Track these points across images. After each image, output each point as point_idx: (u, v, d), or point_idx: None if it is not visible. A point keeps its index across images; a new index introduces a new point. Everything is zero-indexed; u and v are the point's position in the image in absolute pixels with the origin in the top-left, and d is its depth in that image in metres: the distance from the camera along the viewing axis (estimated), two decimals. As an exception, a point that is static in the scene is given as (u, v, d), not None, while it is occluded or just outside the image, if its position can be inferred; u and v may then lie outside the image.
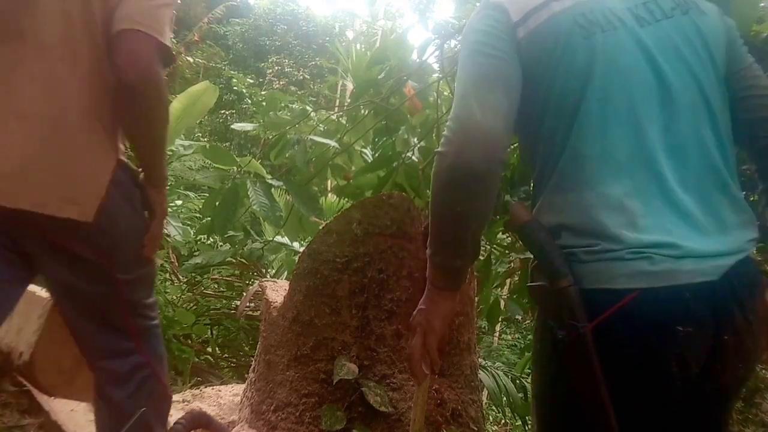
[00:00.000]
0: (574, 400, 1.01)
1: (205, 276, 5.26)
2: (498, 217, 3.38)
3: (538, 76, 1.07)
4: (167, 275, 5.02)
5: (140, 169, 1.56)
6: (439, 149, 1.04)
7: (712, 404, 1.07)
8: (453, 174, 1.02)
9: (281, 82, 12.10)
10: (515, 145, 3.47)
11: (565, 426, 1.08)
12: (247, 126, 3.68)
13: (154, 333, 1.64)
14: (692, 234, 0.99)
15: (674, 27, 1.08)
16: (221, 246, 4.56)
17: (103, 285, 1.47)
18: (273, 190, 3.44)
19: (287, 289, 1.78)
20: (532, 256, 1.09)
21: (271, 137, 3.56)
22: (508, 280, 4.27)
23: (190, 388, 3.07)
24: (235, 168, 3.18)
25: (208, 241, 5.26)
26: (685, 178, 1.02)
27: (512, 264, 4.01)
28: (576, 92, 1.04)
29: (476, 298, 2.76)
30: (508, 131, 1.04)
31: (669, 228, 0.99)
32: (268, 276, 4.89)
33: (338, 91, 8.82)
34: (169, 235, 4.70)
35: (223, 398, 2.69)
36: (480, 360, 1.98)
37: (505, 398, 4.11)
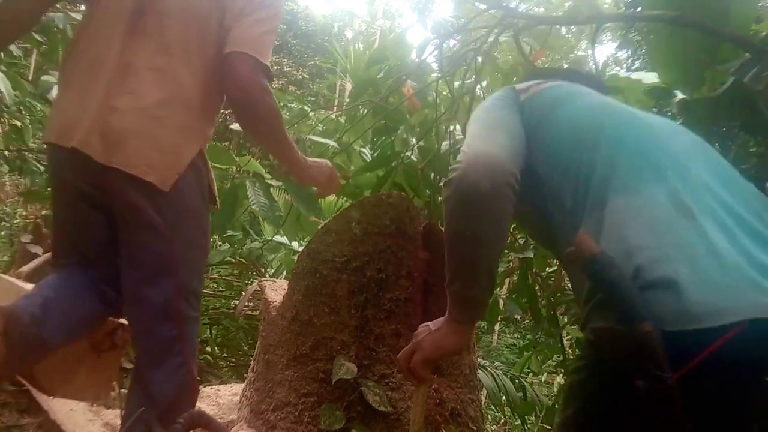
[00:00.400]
0: None
1: (204, 275, 5.26)
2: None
3: (541, 125, 1.17)
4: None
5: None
6: (447, 178, 1.09)
7: None
8: (460, 196, 1.07)
9: (280, 82, 12.10)
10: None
11: None
12: (246, 125, 3.67)
13: (193, 326, 1.75)
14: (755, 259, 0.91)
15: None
16: (220, 245, 4.56)
17: (161, 257, 1.64)
18: (272, 189, 3.44)
19: (286, 288, 1.78)
20: (586, 292, 1.01)
21: (270, 137, 3.53)
22: (507, 280, 4.28)
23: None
24: (234, 168, 3.17)
25: (208, 241, 5.26)
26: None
27: (511, 264, 4.02)
28: (584, 132, 1.13)
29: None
30: (514, 162, 1.08)
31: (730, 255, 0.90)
32: (267, 275, 4.89)
33: (337, 91, 8.82)
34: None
35: (222, 398, 2.69)
36: (479, 359, 1.98)
37: (504, 398, 4.12)
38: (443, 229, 1.15)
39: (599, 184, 1.04)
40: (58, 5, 5.62)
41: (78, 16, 4.66)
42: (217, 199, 1.83)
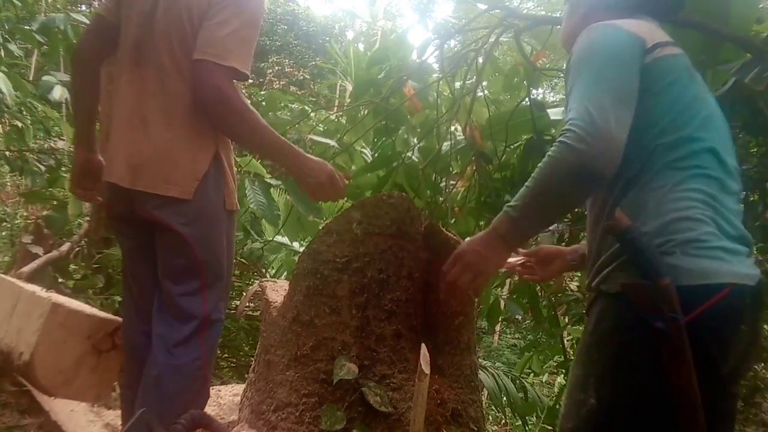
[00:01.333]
0: (663, 384, 1.13)
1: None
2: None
3: (646, 96, 1.28)
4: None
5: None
6: (570, 142, 1.18)
7: (734, 397, 1.28)
8: (574, 162, 1.18)
9: (281, 82, 12.10)
10: (516, 144, 3.48)
11: (647, 407, 1.18)
12: (246, 126, 3.67)
13: (215, 328, 1.86)
14: (745, 238, 1.25)
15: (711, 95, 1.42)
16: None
17: (186, 261, 1.80)
18: (272, 189, 3.43)
19: (287, 289, 1.78)
20: (614, 257, 1.26)
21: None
22: (508, 280, 4.27)
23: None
24: (234, 167, 3.17)
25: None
26: (734, 192, 1.30)
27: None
28: (677, 117, 1.29)
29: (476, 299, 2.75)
30: (624, 141, 1.21)
31: (738, 231, 1.24)
32: (268, 276, 4.89)
33: (338, 92, 8.83)
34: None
35: (223, 398, 2.69)
36: (480, 360, 1.98)
37: (505, 398, 4.11)
38: (536, 168, 1.25)
39: (659, 168, 1.25)
40: (58, 6, 5.62)
41: (79, 17, 4.67)
42: (236, 202, 1.93)
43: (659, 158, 1.26)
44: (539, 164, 1.25)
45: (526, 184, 1.27)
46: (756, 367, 5.36)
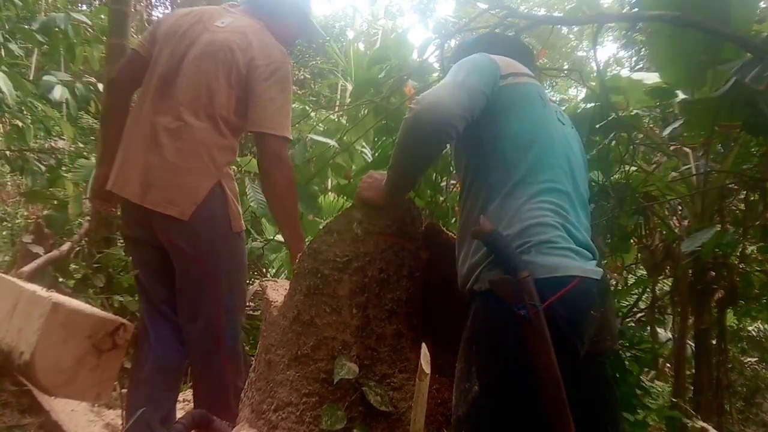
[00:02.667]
0: (528, 364, 1.31)
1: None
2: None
3: (505, 114, 1.55)
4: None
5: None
6: (412, 106, 1.46)
7: (601, 365, 1.50)
8: (410, 128, 1.46)
9: (281, 82, 12.04)
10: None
11: (521, 386, 1.34)
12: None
13: (233, 338, 2.19)
14: (590, 245, 1.52)
15: (572, 133, 1.71)
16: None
17: (196, 278, 2.08)
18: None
19: (287, 288, 1.78)
20: (482, 259, 1.47)
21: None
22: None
23: (191, 387, 3.07)
24: (234, 167, 3.18)
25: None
26: (582, 209, 1.59)
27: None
28: (532, 135, 1.54)
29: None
30: (461, 118, 1.44)
31: (584, 239, 1.50)
32: (269, 275, 4.89)
33: (338, 92, 8.83)
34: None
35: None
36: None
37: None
38: (397, 140, 1.52)
39: (517, 182, 1.49)
40: (59, 5, 5.62)
41: (79, 17, 4.67)
42: (242, 223, 2.22)
43: (517, 172, 1.49)
44: None
45: None
46: (756, 367, 5.36)
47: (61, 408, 2.39)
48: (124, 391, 2.91)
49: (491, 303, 1.42)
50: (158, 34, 2.27)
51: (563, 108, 2.24)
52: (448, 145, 1.63)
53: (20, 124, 4.87)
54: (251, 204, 3.49)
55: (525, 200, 1.46)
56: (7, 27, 4.71)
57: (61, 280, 3.80)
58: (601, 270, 1.48)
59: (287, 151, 2.16)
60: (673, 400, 3.41)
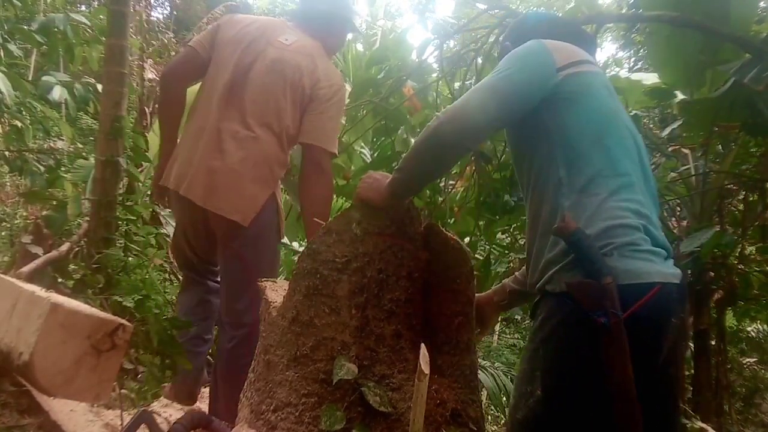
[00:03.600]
0: (600, 374, 1.25)
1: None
2: (497, 216, 3.38)
3: (573, 106, 1.47)
4: (166, 275, 5.02)
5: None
6: (439, 114, 1.43)
7: (672, 379, 1.43)
8: (431, 137, 1.44)
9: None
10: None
11: (587, 396, 1.30)
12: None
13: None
14: (666, 243, 1.43)
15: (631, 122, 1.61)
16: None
17: (241, 276, 2.25)
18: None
19: (286, 289, 1.78)
20: (559, 258, 1.41)
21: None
22: (507, 280, 4.26)
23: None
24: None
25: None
26: (654, 201, 1.52)
27: (512, 264, 4.01)
28: (603, 127, 1.46)
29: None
30: (486, 129, 1.45)
31: (661, 237, 1.41)
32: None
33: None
34: (168, 235, 4.70)
35: (222, 398, 2.68)
36: (479, 360, 1.97)
37: (504, 398, 4.12)
38: (412, 146, 1.51)
39: (593, 175, 1.42)
40: (58, 6, 5.61)
41: (78, 17, 4.66)
42: (283, 232, 2.43)
43: (591, 165, 1.42)
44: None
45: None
46: (756, 368, 5.36)
47: (60, 408, 2.39)
48: (124, 391, 2.91)
49: (566, 306, 1.36)
50: (219, 40, 2.39)
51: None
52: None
53: (19, 124, 4.86)
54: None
55: (605, 197, 1.39)
56: (6, 27, 4.70)
57: (60, 280, 3.79)
58: (680, 271, 1.41)
59: (330, 164, 2.36)
60: (673, 400, 3.40)
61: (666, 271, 1.35)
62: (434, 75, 3.87)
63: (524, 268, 1.95)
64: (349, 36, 2.76)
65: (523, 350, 1.47)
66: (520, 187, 1.69)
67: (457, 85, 3.75)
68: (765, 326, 5.33)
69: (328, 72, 2.35)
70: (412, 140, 3.75)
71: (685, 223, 3.79)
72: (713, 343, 3.68)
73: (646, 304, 1.28)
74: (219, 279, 2.53)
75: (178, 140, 2.50)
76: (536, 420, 1.35)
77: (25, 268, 3.64)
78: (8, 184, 7.65)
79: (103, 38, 4.33)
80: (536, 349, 1.42)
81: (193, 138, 2.32)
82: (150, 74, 8.70)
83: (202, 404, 2.79)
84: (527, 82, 1.46)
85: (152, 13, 11.61)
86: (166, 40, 10.27)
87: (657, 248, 1.38)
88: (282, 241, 2.43)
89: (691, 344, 3.76)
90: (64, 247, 4.08)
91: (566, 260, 1.38)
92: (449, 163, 1.63)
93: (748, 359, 5.39)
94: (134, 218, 4.29)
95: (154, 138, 5.49)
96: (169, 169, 2.40)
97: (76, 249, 4.20)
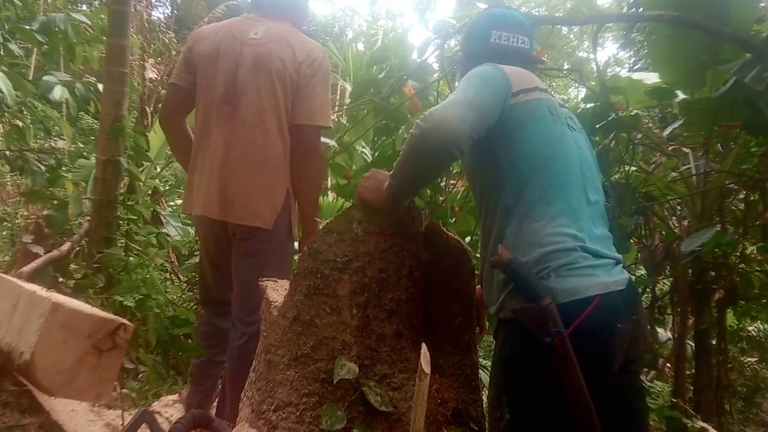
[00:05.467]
0: (557, 390, 1.31)
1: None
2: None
3: (518, 133, 1.53)
4: (167, 275, 5.02)
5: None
6: (419, 122, 1.44)
7: (634, 374, 1.50)
8: (416, 146, 1.45)
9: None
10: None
11: (550, 413, 1.36)
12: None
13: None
14: (611, 254, 1.51)
15: (581, 137, 1.68)
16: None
17: (255, 276, 2.13)
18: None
19: (287, 288, 1.78)
20: (503, 285, 1.49)
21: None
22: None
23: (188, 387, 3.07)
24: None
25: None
26: (598, 219, 1.57)
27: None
28: (546, 154, 1.53)
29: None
30: (467, 137, 1.43)
31: (604, 250, 1.48)
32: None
33: (338, 93, 8.84)
34: (169, 235, 4.71)
35: (223, 398, 2.68)
36: (480, 360, 1.98)
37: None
38: (402, 151, 1.52)
39: (534, 202, 1.48)
40: (58, 5, 5.61)
41: (79, 17, 4.67)
42: (296, 231, 2.44)
43: (532, 192, 1.49)
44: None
45: None
46: (756, 367, 5.36)
47: (61, 408, 2.39)
48: (124, 391, 2.91)
49: (516, 331, 1.43)
50: (194, 60, 2.39)
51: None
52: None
53: (20, 124, 4.87)
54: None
55: (543, 224, 1.46)
56: (6, 27, 4.70)
57: (61, 280, 3.80)
58: (626, 276, 1.48)
59: (320, 141, 2.37)
60: (673, 400, 3.41)
61: (608, 280, 1.41)
62: (435, 75, 3.87)
63: None
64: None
65: (489, 376, 1.55)
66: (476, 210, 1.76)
67: (457, 84, 3.74)
68: (765, 325, 5.32)
69: (305, 50, 2.32)
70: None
71: (685, 222, 3.79)
72: (714, 342, 3.68)
73: (589, 317, 1.34)
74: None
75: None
76: None
77: (26, 268, 3.64)
78: (9, 183, 7.66)
79: (104, 38, 4.33)
80: (498, 375, 1.51)
81: (201, 160, 2.36)
82: (151, 74, 8.71)
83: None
84: (494, 98, 1.51)
85: (153, 13, 11.63)
86: (166, 40, 10.27)
87: (601, 260, 1.45)
88: (296, 238, 2.44)
89: (692, 344, 3.77)
90: (65, 246, 4.08)
91: (509, 288, 1.46)
92: (438, 170, 1.67)
93: (748, 358, 5.39)
94: (135, 218, 4.29)
95: (155, 137, 5.50)
96: (188, 196, 2.46)
97: (77, 248, 4.20)
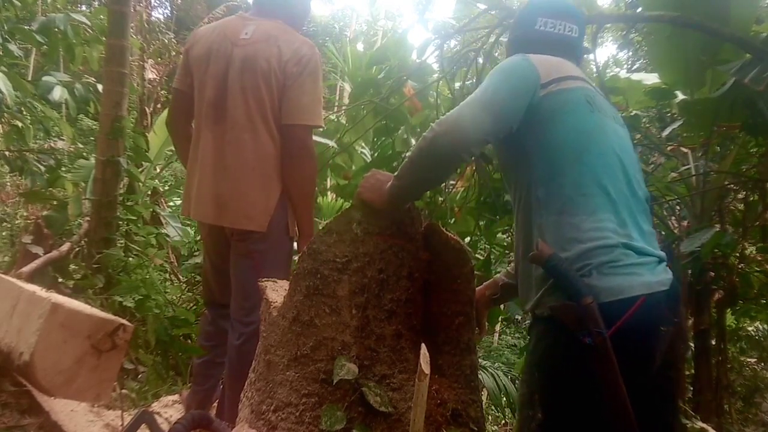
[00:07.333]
0: (595, 392, 1.27)
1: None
2: (498, 216, 3.38)
3: (550, 124, 1.48)
4: (167, 275, 5.02)
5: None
6: (433, 126, 1.43)
7: (671, 380, 1.45)
8: (427, 149, 1.44)
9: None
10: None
11: (586, 414, 1.32)
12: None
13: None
14: (654, 252, 1.44)
15: (623, 131, 1.62)
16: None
17: (252, 277, 2.15)
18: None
19: (287, 288, 1.78)
20: (542, 282, 1.43)
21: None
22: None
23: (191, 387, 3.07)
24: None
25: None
26: (641, 214, 1.49)
27: (512, 264, 4.01)
28: (580, 145, 1.47)
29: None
30: (481, 140, 1.43)
31: (647, 247, 1.42)
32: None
33: (337, 93, 8.83)
34: (168, 236, 4.71)
35: (222, 398, 2.67)
36: (480, 360, 1.97)
37: (504, 398, 4.12)
38: (408, 155, 1.51)
39: (570, 196, 1.43)
40: (58, 5, 5.61)
41: (78, 17, 4.66)
42: (296, 229, 2.40)
43: (568, 185, 1.44)
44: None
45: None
46: (756, 367, 5.36)
47: (61, 408, 2.39)
48: (124, 391, 2.91)
49: (554, 330, 1.39)
50: (190, 63, 2.39)
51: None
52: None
53: (20, 124, 4.86)
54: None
55: (583, 218, 1.40)
56: (6, 27, 4.70)
57: (60, 280, 3.80)
58: (670, 276, 1.42)
59: (312, 140, 2.33)
60: (673, 400, 3.40)
61: (652, 280, 1.36)
62: (434, 75, 3.87)
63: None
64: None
65: (521, 374, 1.52)
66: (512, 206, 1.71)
67: (457, 85, 3.75)
68: (765, 325, 5.33)
69: (293, 48, 2.27)
70: (413, 140, 3.75)
71: (685, 223, 3.79)
72: (713, 342, 3.68)
73: (631, 318, 1.30)
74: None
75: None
76: None
77: (26, 268, 3.64)
78: (9, 184, 7.65)
79: (104, 38, 4.33)
80: (531, 373, 1.46)
81: (198, 163, 2.36)
82: (150, 74, 8.70)
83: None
84: (514, 95, 1.47)
85: (153, 14, 11.61)
86: (166, 41, 10.27)
87: (644, 257, 1.39)
88: (294, 237, 2.42)
89: (692, 344, 3.77)
90: (65, 247, 4.08)
91: (548, 284, 1.40)
92: (446, 173, 1.66)
93: (748, 358, 5.39)
94: (135, 218, 4.29)
95: (154, 138, 5.50)
96: (185, 199, 2.46)
97: (77, 249, 4.20)
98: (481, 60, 3.48)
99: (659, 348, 1.35)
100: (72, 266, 4.04)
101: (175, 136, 2.62)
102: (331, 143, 3.70)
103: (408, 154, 1.53)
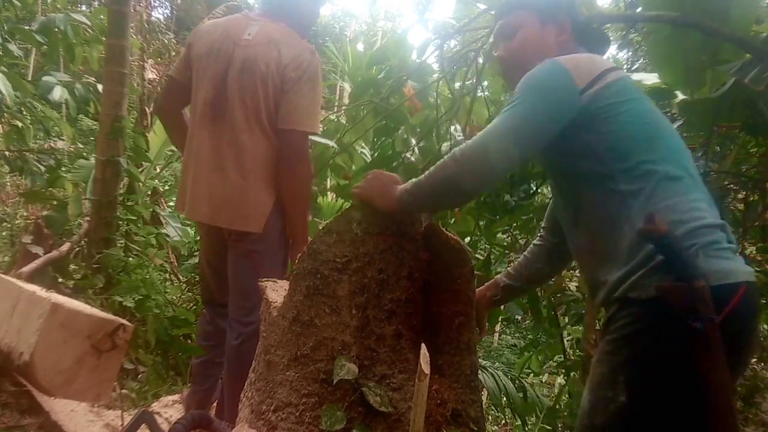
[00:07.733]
0: (696, 381, 1.21)
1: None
2: (498, 216, 3.38)
3: (608, 116, 1.42)
4: (167, 275, 5.02)
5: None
6: (456, 156, 1.42)
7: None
8: (451, 182, 1.44)
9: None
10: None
11: (680, 404, 1.26)
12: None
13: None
14: (734, 238, 1.39)
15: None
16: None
17: (250, 278, 2.18)
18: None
19: (287, 288, 1.78)
20: (640, 264, 1.34)
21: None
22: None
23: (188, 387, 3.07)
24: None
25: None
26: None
27: (512, 264, 4.01)
28: (648, 130, 1.43)
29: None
30: (503, 173, 1.48)
31: (730, 235, 1.37)
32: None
33: (337, 93, 8.84)
34: (168, 236, 4.71)
35: (222, 398, 2.67)
36: (480, 360, 1.97)
37: (504, 398, 4.12)
38: (428, 174, 1.49)
39: (659, 180, 1.36)
40: (58, 5, 5.61)
41: (78, 17, 4.67)
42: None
43: (651, 171, 1.38)
44: (440, 161, 1.49)
45: (427, 171, 1.51)
46: (755, 367, 5.36)
47: (61, 408, 2.39)
48: (124, 391, 2.91)
49: (656, 311, 1.29)
50: (191, 59, 2.38)
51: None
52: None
53: (20, 124, 4.87)
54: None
55: (678, 200, 1.35)
56: (6, 27, 4.70)
57: (60, 280, 3.80)
58: (751, 268, 1.37)
59: (307, 146, 2.33)
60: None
61: (746, 268, 1.33)
62: (435, 75, 3.87)
63: (516, 264, 2.02)
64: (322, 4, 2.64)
65: (598, 353, 1.40)
66: (562, 209, 1.63)
67: (457, 85, 3.74)
68: (765, 325, 5.32)
69: (293, 53, 2.25)
70: (413, 140, 3.75)
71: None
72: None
73: (737, 305, 1.25)
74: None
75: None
76: (620, 427, 1.32)
77: (26, 268, 3.64)
78: (9, 184, 7.66)
79: (104, 38, 4.33)
80: (618, 352, 1.36)
81: (189, 164, 2.36)
82: (150, 74, 8.71)
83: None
84: (549, 116, 1.42)
85: (153, 14, 11.62)
86: (166, 41, 10.28)
87: (731, 244, 1.35)
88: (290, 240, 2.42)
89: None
90: (65, 247, 4.08)
91: (650, 265, 1.32)
92: (467, 202, 1.68)
93: (748, 359, 5.38)
94: (135, 218, 4.29)
95: (154, 138, 5.50)
96: (180, 196, 2.46)
97: (77, 249, 4.20)
98: (481, 60, 3.47)
99: (752, 340, 1.33)
100: (72, 266, 4.04)
101: (166, 121, 2.61)
102: (331, 143, 3.70)
103: (428, 174, 1.49)
